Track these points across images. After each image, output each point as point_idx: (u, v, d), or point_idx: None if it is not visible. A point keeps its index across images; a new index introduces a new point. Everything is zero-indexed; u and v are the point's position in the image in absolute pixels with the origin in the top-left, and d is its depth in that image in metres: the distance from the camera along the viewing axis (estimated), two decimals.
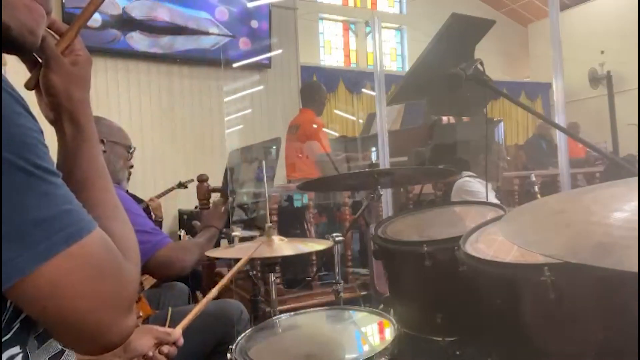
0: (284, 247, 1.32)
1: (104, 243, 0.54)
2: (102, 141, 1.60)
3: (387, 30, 9.40)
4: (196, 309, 1.09)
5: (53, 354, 0.60)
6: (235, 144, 4.28)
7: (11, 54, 0.61)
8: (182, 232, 2.07)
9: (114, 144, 1.63)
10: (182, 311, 1.57)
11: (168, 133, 4.93)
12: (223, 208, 1.84)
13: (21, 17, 0.56)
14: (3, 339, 0.52)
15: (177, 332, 1.04)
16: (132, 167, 1.76)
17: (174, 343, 1.04)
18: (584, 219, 0.71)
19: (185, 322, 1.07)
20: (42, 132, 0.53)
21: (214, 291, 1.12)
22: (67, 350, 0.63)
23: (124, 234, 0.64)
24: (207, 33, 4.98)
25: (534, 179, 2.13)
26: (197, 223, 1.97)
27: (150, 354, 1.00)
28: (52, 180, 0.50)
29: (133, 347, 0.98)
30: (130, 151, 1.71)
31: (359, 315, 1.26)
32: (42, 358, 0.58)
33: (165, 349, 1.02)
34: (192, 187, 3.86)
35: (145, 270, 1.46)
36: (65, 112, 0.66)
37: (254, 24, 5.18)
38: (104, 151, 1.60)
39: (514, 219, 0.86)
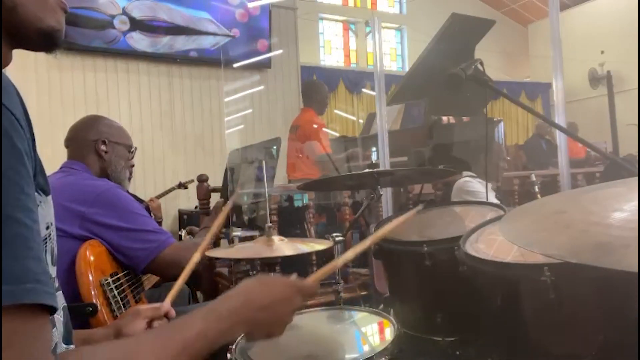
0: (284, 247, 1.32)
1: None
2: (104, 142, 1.60)
3: (387, 30, 9.40)
4: (185, 273, 1.10)
5: None
6: (235, 144, 4.29)
7: (47, 52, 0.66)
8: (184, 232, 2.07)
9: (116, 144, 1.63)
10: (182, 311, 1.57)
11: (168, 133, 4.93)
12: (221, 214, 1.84)
13: (61, 20, 0.63)
14: None
15: (165, 305, 1.03)
16: (133, 166, 1.76)
17: (165, 316, 1.03)
18: (583, 219, 0.71)
19: (173, 292, 1.08)
20: (27, 154, 0.50)
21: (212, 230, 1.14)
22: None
23: None
24: (207, 33, 4.98)
25: (534, 179, 2.13)
26: (193, 228, 1.99)
27: None
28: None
29: (125, 333, 0.96)
30: (132, 151, 1.71)
31: (359, 315, 1.26)
32: None
33: (157, 324, 1.00)
34: (192, 187, 3.87)
35: (151, 269, 1.45)
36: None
37: (256, 24, 5.18)
38: (105, 152, 1.60)
39: (514, 219, 0.86)
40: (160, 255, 1.42)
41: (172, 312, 1.04)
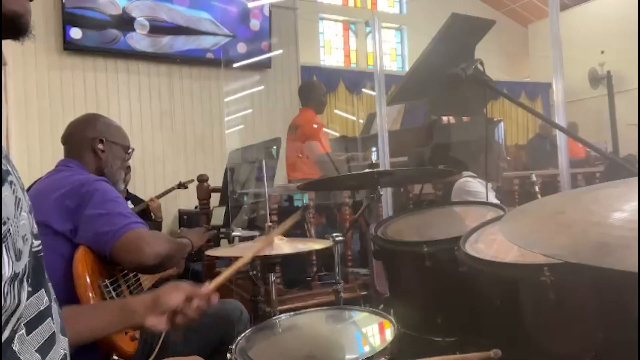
0: (283, 246, 1.33)
1: None
2: (101, 140, 1.59)
3: (387, 30, 9.39)
4: (231, 269, 1.08)
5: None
6: (235, 144, 4.29)
7: (13, 38, 0.63)
8: (181, 230, 2.05)
9: (112, 144, 1.61)
10: None
11: (168, 133, 4.93)
12: (205, 234, 1.78)
13: (25, 4, 0.61)
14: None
15: (208, 287, 1.01)
16: (129, 167, 1.75)
17: (207, 298, 1.00)
18: (584, 219, 0.71)
19: (218, 280, 1.05)
20: None
21: (248, 255, 1.12)
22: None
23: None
24: (207, 33, 4.98)
25: (534, 179, 2.12)
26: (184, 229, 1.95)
27: (181, 307, 0.97)
28: None
29: (163, 302, 0.95)
30: (129, 152, 1.70)
31: (359, 316, 1.26)
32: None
33: (195, 302, 0.98)
34: (192, 187, 3.87)
35: (114, 255, 1.35)
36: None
37: (256, 24, 5.19)
38: (102, 151, 1.59)
39: (514, 219, 0.86)
40: (122, 238, 1.33)
41: (215, 298, 1.01)
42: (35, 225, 0.64)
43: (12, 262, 0.53)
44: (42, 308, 0.61)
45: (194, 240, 1.67)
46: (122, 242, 1.33)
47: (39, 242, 0.64)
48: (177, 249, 1.50)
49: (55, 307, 0.65)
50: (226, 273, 1.08)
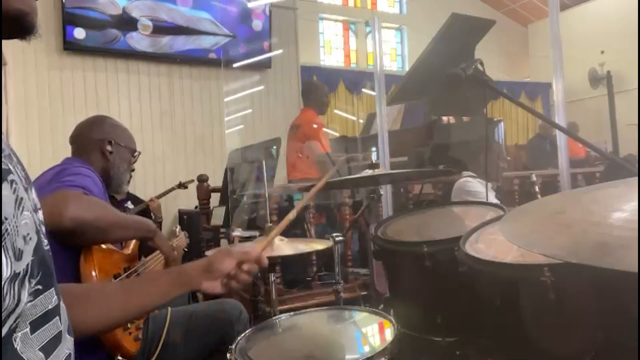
0: (283, 246, 1.32)
1: None
2: (110, 142, 1.59)
3: (387, 30, 9.40)
4: (276, 230, 1.13)
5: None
6: (235, 144, 4.29)
7: (19, 38, 0.63)
8: (178, 228, 2.02)
9: (120, 146, 1.62)
10: (182, 311, 1.57)
11: (168, 133, 4.93)
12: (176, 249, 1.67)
13: (31, 3, 0.60)
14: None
15: (256, 250, 1.03)
16: (133, 170, 1.75)
17: (256, 261, 1.02)
18: (584, 219, 0.71)
19: (265, 243, 1.09)
20: None
21: (293, 212, 1.14)
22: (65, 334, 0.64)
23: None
24: (207, 33, 4.98)
25: (534, 179, 2.12)
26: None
27: (233, 272, 1.00)
28: None
29: (216, 269, 0.98)
30: (135, 155, 1.70)
31: (359, 316, 1.26)
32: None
33: (246, 266, 1.01)
34: (192, 187, 3.87)
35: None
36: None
37: (256, 24, 5.20)
38: (110, 152, 1.59)
39: (514, 219, 0.86)
40: (47, 199, 1.17)
41: (264, 261, 1.03)
42: (42, 225, 0.64)
43: (11, 262, 0.53)
44: (50, 307, 0.61)
45: (161, 239, 1.50)
46: (46, 202, 1.14)
47: (47, 241, 0.65)
48: (116, 223, 1.32)
49: (63, 307, 0.65)
50: (272, 235, 1.13)
